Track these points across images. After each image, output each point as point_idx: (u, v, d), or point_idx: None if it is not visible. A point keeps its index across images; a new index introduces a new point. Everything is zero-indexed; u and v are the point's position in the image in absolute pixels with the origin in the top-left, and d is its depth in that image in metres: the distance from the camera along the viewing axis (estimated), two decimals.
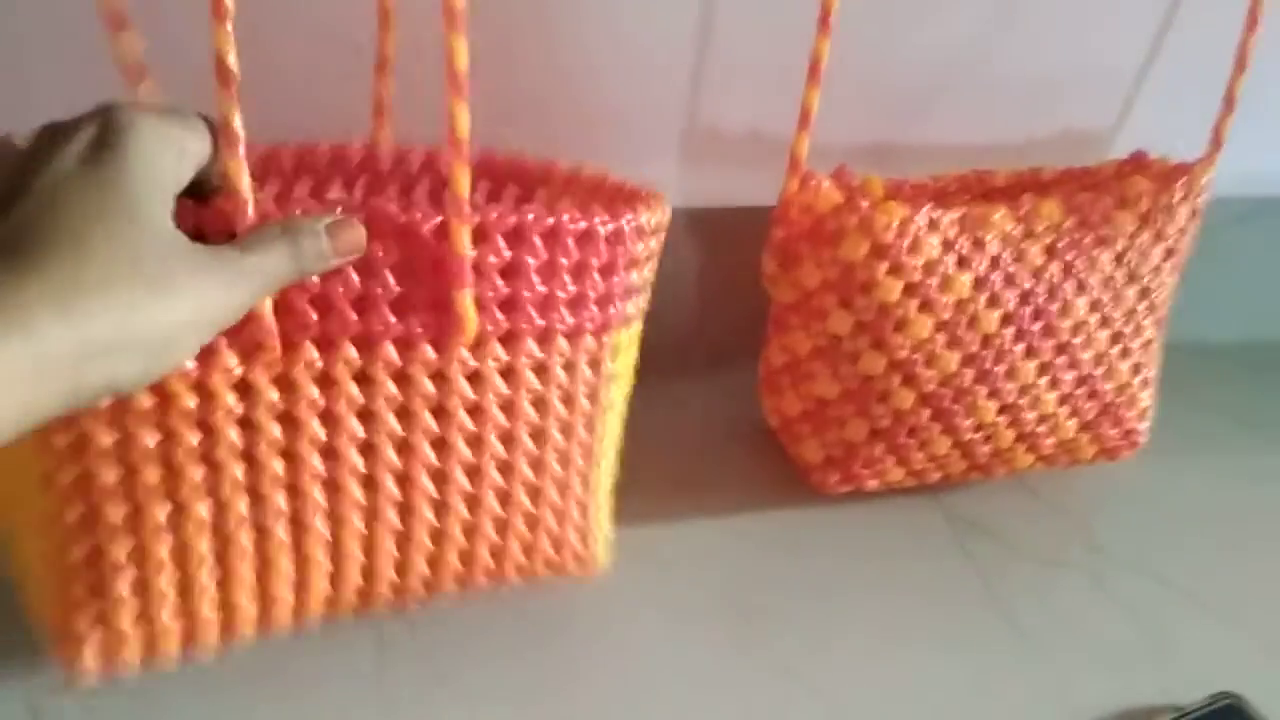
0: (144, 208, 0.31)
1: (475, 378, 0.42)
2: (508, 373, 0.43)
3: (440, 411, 0.42)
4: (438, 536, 0.44)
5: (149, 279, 0.30)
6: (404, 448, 0.42)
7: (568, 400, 0.45)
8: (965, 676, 0.53)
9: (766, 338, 0.61)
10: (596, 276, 0.43)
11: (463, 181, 0.38)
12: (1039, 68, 0.66)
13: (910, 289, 0.53)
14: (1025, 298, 0.56)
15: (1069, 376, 0.58)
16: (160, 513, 0.38)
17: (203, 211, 0.35)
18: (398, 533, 0.43)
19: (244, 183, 0.34)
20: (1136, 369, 0.60)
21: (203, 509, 0.39)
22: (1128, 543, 0.62)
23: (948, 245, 0.54)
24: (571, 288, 0.43)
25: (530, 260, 0.41)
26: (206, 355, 0.37)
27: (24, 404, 0.27)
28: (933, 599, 0.58)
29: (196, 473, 0.38)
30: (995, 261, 0.55)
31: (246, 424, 0.39)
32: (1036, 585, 0.59)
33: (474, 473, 0.43)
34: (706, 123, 0.62)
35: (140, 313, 0.29)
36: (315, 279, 0.37)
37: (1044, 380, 0.57)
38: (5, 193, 0.31)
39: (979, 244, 0.54)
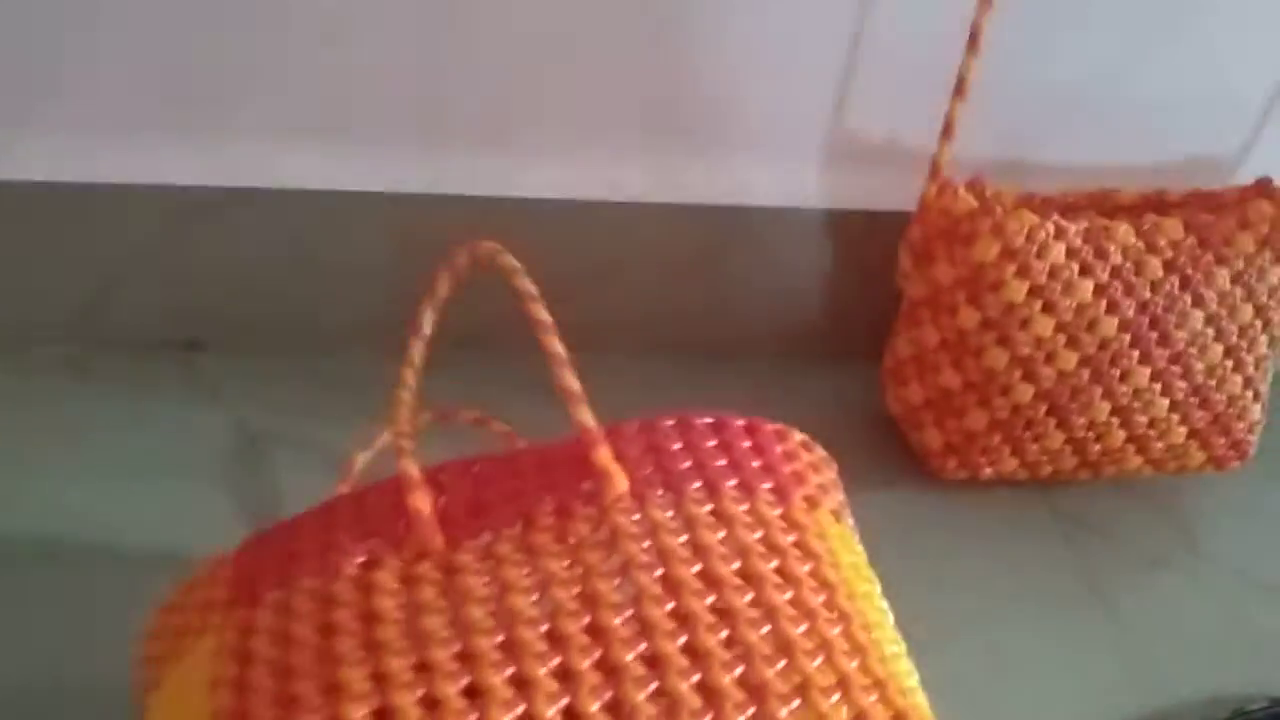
0: None
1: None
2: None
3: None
4: None
5: None
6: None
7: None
8: (1060, 654, 0.58)
9: (894, 331, 0.66)
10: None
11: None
12: (1169, 93, 0.70)
13: (1035, 290, 0.58)
14: (1143, 307, 0.60)
15: (1182, 385, 0.62)
16: None
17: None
18: None
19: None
20: (1248, 382, 0.64)
21: None
22: (1229, 548, 0.65)
23: (1072, 253, 0.58)
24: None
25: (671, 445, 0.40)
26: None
27: None
28: (1035, 584, 0.62)
29: None
30: (1116, 271, 0.59)
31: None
32: (1136, 580, 0.63)
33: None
34: (849, 127, 0.67)
35: None
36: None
37: (1157, 386, 0.61)
38: None
39: (1102, 253, 0.59)
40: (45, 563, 0.56)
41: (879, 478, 0.68)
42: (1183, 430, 0.63)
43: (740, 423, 0.43)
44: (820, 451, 0.45)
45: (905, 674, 0.35)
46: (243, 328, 0.69)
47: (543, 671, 0.32)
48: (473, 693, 0.31)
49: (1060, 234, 0.58)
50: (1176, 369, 0.61)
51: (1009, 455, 0.63)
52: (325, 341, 0.70)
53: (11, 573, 0.55)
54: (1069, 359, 0.59)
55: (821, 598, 0.36)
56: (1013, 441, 0.62)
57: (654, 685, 0.32)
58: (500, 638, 0.33)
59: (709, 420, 0.42)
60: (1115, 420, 0.62)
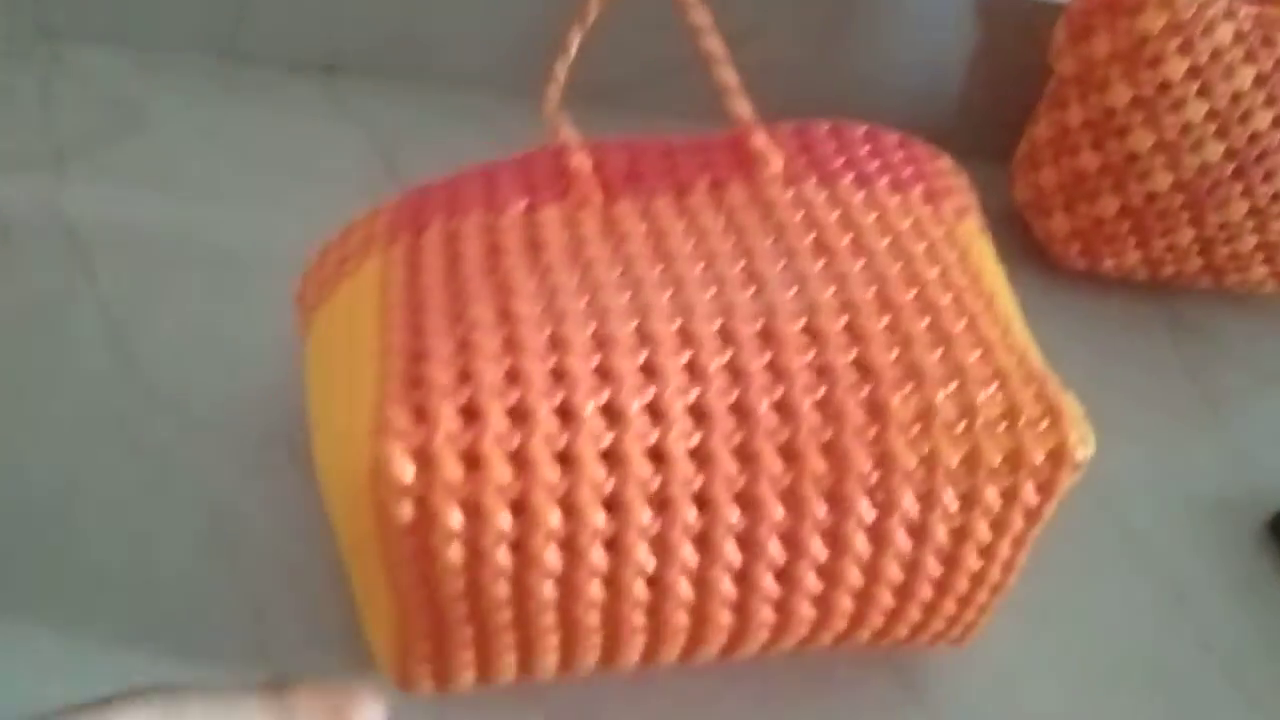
0: None
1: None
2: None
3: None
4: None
5: None
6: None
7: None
8: (1163, 457, 0.58)
9: (1033, 117, 0.65)
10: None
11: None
12: None
13: (1194, 70, 0.56)
14: None
15: None
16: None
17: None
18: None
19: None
20: None
21: None
22: None
23: (1240, 37, 0.56)
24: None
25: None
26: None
27: None
28: (1144, 386, 0.62)
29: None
30: None
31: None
32: (1246, 393, 0.63)
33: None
34: None
35: None
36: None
37: None
38: None
39: (1270, 42, 0.57)
40: (187, 248, 0.59)
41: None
42: None
43: (895, 135, 0.43)
44: (966, 178, 0.45)
45: (1040, 362, 0.36)
46: (380, 54, 0.70)
47: (701, 300, 0.33)
48: (636, 306, 0.33)
49: (1230, 14, 0.56)
50: None
51: (1133, 248, 0.62)
52: (458, 75, 0.71)
53: (159, 255, 0.58)
54: (1215, 150, 0.58)
55: (965, 280, 0.36)
56: (1140, 232, 0.61)
57: (803, 321, 0.33)
58: (659, 268, 0.34)
59: (864, 128, 0.42)
60: (1250, 223, 0.60)
